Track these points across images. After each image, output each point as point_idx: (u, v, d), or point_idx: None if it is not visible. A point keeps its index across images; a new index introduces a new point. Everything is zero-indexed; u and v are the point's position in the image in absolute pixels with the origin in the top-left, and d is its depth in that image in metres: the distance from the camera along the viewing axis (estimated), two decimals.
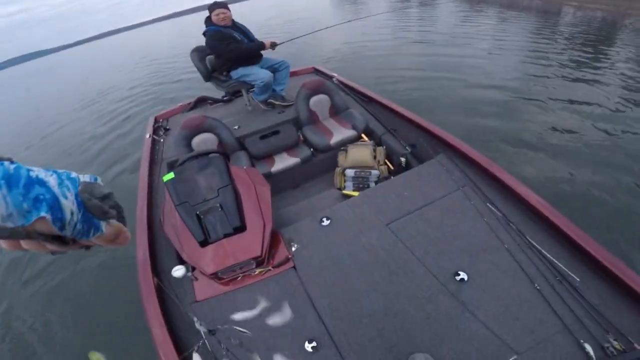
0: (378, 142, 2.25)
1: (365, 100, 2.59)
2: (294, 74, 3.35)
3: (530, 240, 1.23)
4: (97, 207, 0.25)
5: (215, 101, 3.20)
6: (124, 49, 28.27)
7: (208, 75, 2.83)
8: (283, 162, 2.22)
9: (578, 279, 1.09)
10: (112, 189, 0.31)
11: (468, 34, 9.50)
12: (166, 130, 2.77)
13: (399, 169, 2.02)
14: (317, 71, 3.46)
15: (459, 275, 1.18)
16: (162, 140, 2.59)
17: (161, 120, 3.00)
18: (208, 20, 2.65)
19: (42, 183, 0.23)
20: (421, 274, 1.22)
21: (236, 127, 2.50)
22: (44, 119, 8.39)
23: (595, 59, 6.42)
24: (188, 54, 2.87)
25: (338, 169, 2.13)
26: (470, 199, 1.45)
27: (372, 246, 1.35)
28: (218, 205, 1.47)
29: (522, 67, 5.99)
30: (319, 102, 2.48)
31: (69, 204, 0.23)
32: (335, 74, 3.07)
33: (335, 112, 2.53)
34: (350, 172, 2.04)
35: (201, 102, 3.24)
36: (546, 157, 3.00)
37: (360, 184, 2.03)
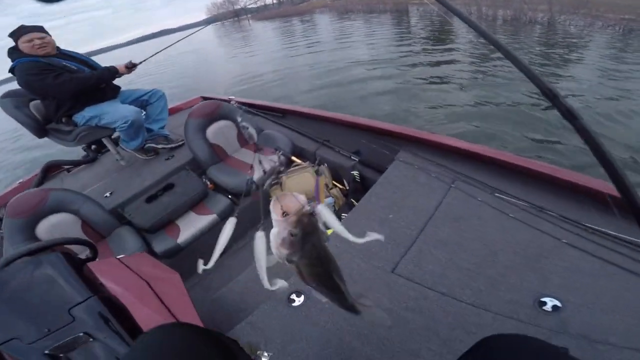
0: (315, 161, 1.86)
1: (279, 115, 2.16)
2: (177, 109, 2.72)
3: (586, 224, 0.91)
4: None
5: (75, 164, 2.35)
6: None
7: (41, 129, 2.06)
8: (192, 225, 1.59)
9: None
10: None
11: (347, 38, 10.93)
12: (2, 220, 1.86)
13: (355, 186, 1.63)
14: (207, 99, 2.79)
15: (545, 303, 0.75)
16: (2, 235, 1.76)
17: None
18: (14, 51, 1.85)
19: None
20: (489, 321, 0.76)
21: (108, 194, 1.81)
22: None
23: (443, 43, 8.27)
24: None
25: None
26: (476, 196, 1.09)
27: (390, 312, 0.85)
28: (81, 334, 0.79)
29: (394, 56, 7.26)
30: (221, 131, 1.93)
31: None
32: (232, 97, 2.53)
33: None
34: None
35: (52, 169, 2.34)
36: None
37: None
